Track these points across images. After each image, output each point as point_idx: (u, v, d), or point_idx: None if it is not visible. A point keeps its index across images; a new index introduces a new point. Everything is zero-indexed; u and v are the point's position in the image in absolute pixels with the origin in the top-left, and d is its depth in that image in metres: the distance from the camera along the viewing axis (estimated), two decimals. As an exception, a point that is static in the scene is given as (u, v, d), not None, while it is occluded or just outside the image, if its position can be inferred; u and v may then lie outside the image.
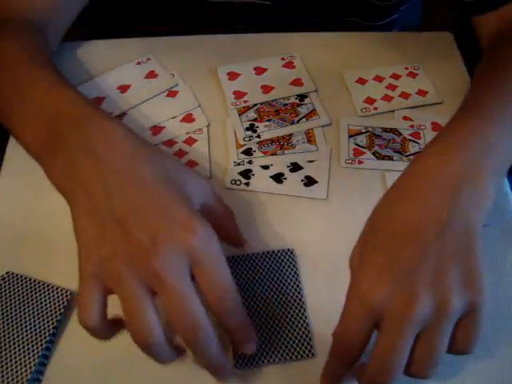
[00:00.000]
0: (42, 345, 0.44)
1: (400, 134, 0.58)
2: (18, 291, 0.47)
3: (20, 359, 0.43)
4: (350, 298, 0.39)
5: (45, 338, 0.44)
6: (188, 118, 0.60)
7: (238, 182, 0.55)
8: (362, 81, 0.63)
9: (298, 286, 0.47)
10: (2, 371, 0.43)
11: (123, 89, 0.62)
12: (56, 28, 0.61)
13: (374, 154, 0.57)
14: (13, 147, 0.56)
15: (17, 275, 0.48)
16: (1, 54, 0.53)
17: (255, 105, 0.61)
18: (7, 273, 0.48)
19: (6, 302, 0.46)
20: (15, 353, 0.43)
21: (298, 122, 0.59)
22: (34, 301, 0.46)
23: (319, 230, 0.52)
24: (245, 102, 0.61)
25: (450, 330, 0.38)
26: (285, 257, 0.49)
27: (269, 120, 0.59)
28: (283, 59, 0.66)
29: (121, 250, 0.38)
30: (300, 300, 0.47)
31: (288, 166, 0.56)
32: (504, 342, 0.45)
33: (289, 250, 0.49)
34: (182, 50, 0.67)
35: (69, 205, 0.41)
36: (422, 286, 0.37)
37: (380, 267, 0.38)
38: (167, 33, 0.68)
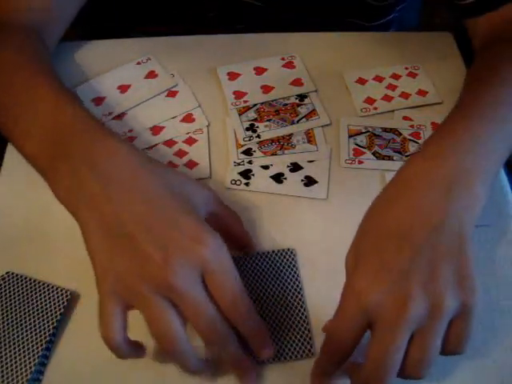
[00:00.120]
0: (41, 345, 0.44)
1: (400, 134, 0.58)
2: (18, 291, 0.47)
3: (20, 359, 0.43)
4: (344, 298, 0.40)
5: (45, 338, 0.44)
6: (188, 118, 0.60)
7: (238, 182, 0.55)
8: (361, 81, 0.63)
9: (298, 285, 0.47)
10: (2, 371, 0.43)
11: (123, 89, 0.62)
12: (54, 29, 0.61)
13: (374, 154, 0.57)
14: (13, 147, 0.56)
15: (17, 275, 0.48)
16: (0, 59, 0.52)
17: (255, 105, 0.61)
18: (7, 273, 0.48)
19: (6, 302, 0.46)
20: (15, 353, 0.43)
21: (297, 121, 0.59)
22: (34, 301, 0.46)
23: (319, 229, 0.52)
24: (245, 101, 0.61)
25: (444, 330, 0.38)
26: (285, 257, 0.49)
27: (269, 120, 0.59)
28: (283, 59, 0.66)
29: (135, 267, 0.39)
30: (300, 300, 0.47)
31: (288, 166, 0.56)
32: (504, 343, 0.45)
33: (289, 249, 0.49)
34: (182, 50, 0.67)
35: (77, 222, 0.41)
36: (416, 287, 0.38)
37: (375, 268, 0.39)
38: (167, 33, 0.68)
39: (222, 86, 0.63)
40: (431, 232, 0.39)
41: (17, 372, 0.43)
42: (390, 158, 0.56)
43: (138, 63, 0.65)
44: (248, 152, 0.57)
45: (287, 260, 0.49)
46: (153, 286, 0.38)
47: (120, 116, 0.60)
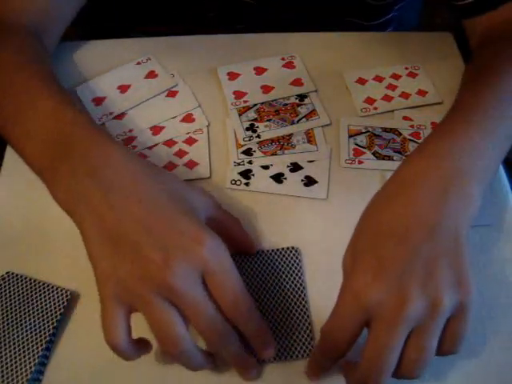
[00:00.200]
0: (41, 345, 0.44)
1: (400, 134, 0.58)
2: (18, 291, 0.47)
3: (20, 359, 0.43)
4: (343, 296, 0.40)
5: (45, 338, 0.44)
6: (188, 118, 0.60)
7: (238, 182, 0.55)
8: (361, 81, 0.63)
9: (301, 284, 0.47)
10: (2, 371, 0.43)
11: (123, 89, 0.62)
12: (54, 29, 0.61)
13: (374, 154, 0.57)
14: (13, 147, 0.56)
15: (17, 275, 0.48)
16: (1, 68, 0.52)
17: (255, 105, 0.61)
18: (7, 273, 0.48)
19: (6, 302, 0.46)
20: (15, 353, 0.43)
21: (298, 121, 0.59)
22: (34, 301, 0.46)
23: (319, 229, 0.52)
24: (245, 102, 0.61)
25: (440, 330, 0.38)
26: (289, 255, 0.49)
27: (269, 120, 0.59)
28: (283, 59, 0.66)
29: (135, 269, 0.39)
30: (303, 299, 0.46)
31: (288, 166, 0.56)
32: (504, 343, 0.45)
33: (293, 248, 0.49)
34: (182, 50, 0.67)
35: (77, 226, 0.41)
36: (415, 287, 0.38)
37: (374, 267, 0.39)
38: (167, 33, 0.68)
39: (222, 86, 0.63)
40: (428, 232, 0.40)
41: (17, 372, 0.43)
42: (389, 158, 0.56)
43: (138, 63, 0.65)
44: (248, 152, 0.57)
45: (291, 258, 0.49)
46: (153, 287, 0.38)
47: (120, 116, 0.60)
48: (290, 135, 0.58)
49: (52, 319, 0.45)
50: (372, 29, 0.76)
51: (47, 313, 0.45)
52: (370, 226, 0.42)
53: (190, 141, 0.58)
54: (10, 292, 0.47)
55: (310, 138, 0.58)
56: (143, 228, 0.40)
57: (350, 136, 0.58)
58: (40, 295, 0.46)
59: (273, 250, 0.49)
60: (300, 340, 0.44)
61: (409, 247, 0.39)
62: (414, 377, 0.39)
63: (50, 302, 0.46)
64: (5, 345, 0.44)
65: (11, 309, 0.46)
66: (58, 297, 0.46)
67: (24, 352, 0.43)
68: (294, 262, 0.48)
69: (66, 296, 0.46)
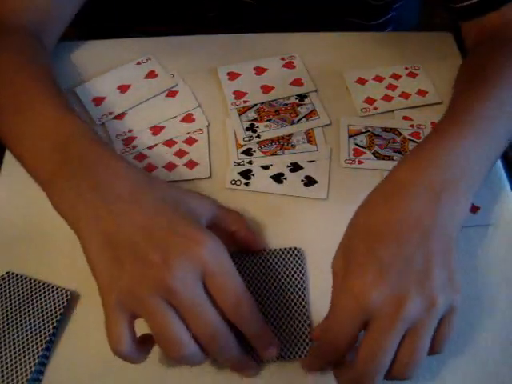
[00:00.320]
0: (41, 345, 0.44)
1: (400, 134, 0.58)
2: (18, 291, 0.47)
3: (20, 359, 0.43)
4: (341, 299, 0.39)
5: (45, 338, 0.44)
6: (188, 118, 0.60)
7: (238, 182, 0.55)
8: (361, 81, 0.63)
9: (302, 285, 0.47)
10: (2, 371, 0.43)
11: (123, 89, 0.62)
12: (53, 29, 0.61)
13: (374, 153, 0.57)
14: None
15: (17, 275, 0.48)
16: (1, 69, 0.52)
17: (255, 105, 0.61)
18: (7, 273, 0.48)
19: (6, 302, 0.46)
20: (15, 353, 0.43)
21: (297, 122, 0.59)
22: (34, 301, 0.46)
23: (319, 230, 0.52)
24: (245, 102, 0.61)
25: (433, 330, 0.39)
26: (291, 255, 0.49)
27: (269, 120, 0.59)
28: (283, 59, 0.66)
29: (137, 274, 0.39)
30: (303, 300, 0.46)
31: (288, 166, 0.56)
32: (504, 343, 0.45)
33: (296, 248, 0.49)
34: (182, 50, 0.67)
35: (76, 234, 0.42)
36: (412, 287, 0.38)
37: (372, 269, 0.39)
38: (167, 33, 0.68)
39: (222, 86, 0.63)
40: (424, 234, 0.40)
41: (17, 372, 0.43)
42: (389, 158, 0.56)
43: (138, 63, 0.65)
44: (248, 152, 0.57)
45: (293, 259, 0.48)
46: (153, 290, 0.38)
47: (120, 116, 0.60)
48: (290, 135, 0.58)
49: (52, 319, 0.45)
50: (372, 29, 0.76)
51: (47, 313, 0.45)
52: (364, 228, 0.42)
53: (190, 141, 0.58)
54: (9, 292, 0.47)
55: (310, 137, 0.58)
56: (142, 232, 0.40)
57: (350, 136, 0.58)
58: (40, 295, 0.46)
59: (275, 250, 0.49)
60: (298, 340, 0.44)
61: (406, 248, 0.40)
62: (406, 378, 0.39)
63: (49, 302, 0.46)
64: (5, 345, 0.44)
65: (11, 309, 0.46)
66: (57, 297, 0.46)
67: (24, 352, 0.43)
68: (297, 262, 0.48)
69: (66, 296, 0.46)
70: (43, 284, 0.47)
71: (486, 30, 0.58)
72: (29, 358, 0.43)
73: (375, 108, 0.61)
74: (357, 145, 0.57)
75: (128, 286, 0.38)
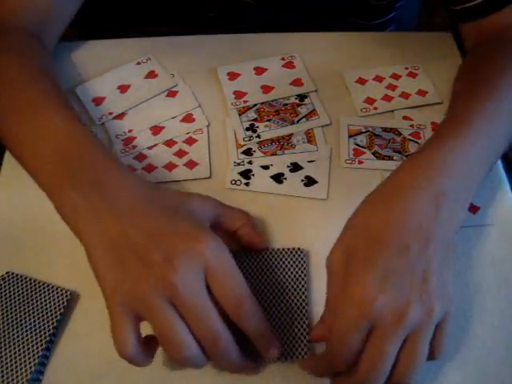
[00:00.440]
0: (41, 345, 0.44)
1: (400, 134, 0.58)
2: (18, 291, 0.47)
3: (20, 359, 0.43)
4: (345, 307, 0.39)
5: (45, 338, 0.44)
6: (188, 118, 0.60)
7: (238, 182, 0.55)
8: (362, 81, 0.63)
9: (303, 285, 0.47)
10: (2, 371, 0.43)
11: (123, 89, 0.62)
12: (53, 29, 0.61)
13: (374, 153, 0.57)
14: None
15: (17, 275, 0.48)
16: (3, 71, 0.52)
17: (255, 105, 0.61)
18: (7, 273, 0.48)
19: (6, 302, 0.46)
20: (15, 353, 0.43)
21: (298, 122, 0.59)
22: (34, 301, 0.46)
23: (319, 230, 0.52)
24: (245, 102, 0.61)
25: (431, 336, 0.40)
26: (294, 256, 0.48)
27: (269, 120, 0.59)
28: (283, 59, 0.66)
29: (140, 275, 0.39)
30: (303, 301, 0.46)
31: (288, 166, 0.56)
32: (504, 343, 0.45)
33: (299, 249, 0.49)
34: (182, 50, 0.67)
35: (79, 238, 0.42)
36: (413, 295, 0.39)
37: (376, 276, 0.39)
38: (167, 33, 0.68)
39: (222, 86, 0.63)
40: (425, 241, 0.41)
41: (17, 372, 0.43)
42: (389, 158, 0.56)
43: (138, 63, 0.65)
44: (248, 152, 0.57)
45: (296, 259, 0.48)
46: (157, 289, 0.38)
47: (120, 116, 0.60)
48: (290, 135, 0.58)
49: (52, 319, 0.45)
50: (373, 29, 0.76)
51: (47, 313, 0.45)
52: (365, 229, 0.42)
53: (190, 141, 0.58)
54: (9, 292, 0.47)
55: (309, 137, 0.58)
56: (144, 233, 0.40)
57: (349, 136, 0.58)
58: (40, 295, 0.46)
59: (278, 249, 0.49)
60: (297, 341, 0.44)
61: (408, 256, 0.40)
62: (405, 382, 0.39)
63: (49, 302, 0.46)
64: (5, 345, 0.44)
65: (11, 309, 0.46)
66: (57, 297, 0.46)
67: (24, 352, 0.43)
68: (299, 263, 0.48)
69: (66, 296, 0.46)
70: (43, 284, 0.47)
71: (486, 31, 0.59)
72: (29, 358, 0.43)
73: (375, 108, 0.61)
74: (357, 145, 0.57)
75: (132, 288, 0.39)
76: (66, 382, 0.44)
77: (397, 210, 0.42)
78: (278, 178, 0.55)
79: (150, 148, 0.57)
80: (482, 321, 0.46)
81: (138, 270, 0.39)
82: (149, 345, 0.40)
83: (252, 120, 0.59)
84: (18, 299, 0.46)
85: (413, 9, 0.88)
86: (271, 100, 0.61)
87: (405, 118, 0.60)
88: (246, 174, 0.55)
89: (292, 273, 0.48)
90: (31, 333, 0.44)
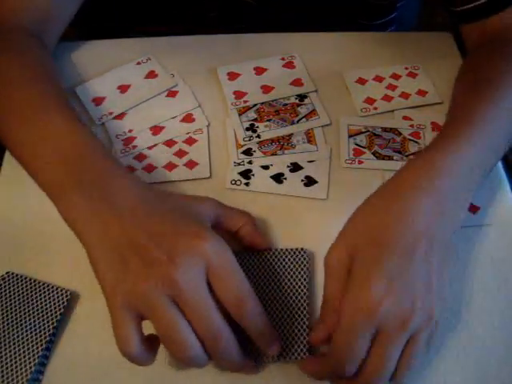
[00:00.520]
0: (41, 345, 0.44)
1: (400, 134, 0.58)
2: (18, 291, 0.47)
3: (20, 359, 0.43)
4: (350, 311, 0.39)
5: (45, 338, 0.44)
6: (188, 118, 0.60)
7: (238, 182, 0.55)
8: (361, 81, 0.63)
9: (305, 286, 0.46)
10: (2, 371, 0.43)
11: (123, 89, 0.62)
12: (53, 29, 0.61)
13: (373, 153, 0.57)
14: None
15: (17, 275, 0.48)
16: (3, 71, 0.52)
17: (255, 105, 0.61)
18: (7, 273, 0.48)
19: (6, 302, 0.46)
20: (15, 353, 0.43)
21: (297, 122, 0.59)
22: (34, 301, 0.46)
23: (319, 230, 0.52)
24: (245, 102, 0.61)
25: (428, 337, 0.40)
26: (297, 256, 0.48)
27: (269, 120, 0.59)
28: (283, 59, 0.66)
29: (142, 274, 0.39)
30: (304, 301, 0.46)
31: (288, 166, 0.56)
32: (504, 343, 0.45)
33: (302, 249, 0.49)
34: (182, 50, 0.67)
35: (82, 243, 0.42)
36: (416, 301, 0.39)
37: (383, 282, 0.39)
38: (167, 33, 0.68)
39: (221, 86, 0.63)
40: (429, 245, 0.41)
41: (17, 372, 0.43)
42: (389, 158, 0.56)
43: (138, 63, 0.65)
44: (248, 152, 0.57)
45: (299, 259, 0.48)
46: (159, 286, 0.38)
47: (120, 116, 0.60)
48: (290, 135, 0.58)
49: (52, 319, 0.45)
50: (373, 29, 0.76)
51: (47, 313, 0.45)
52: (367, 229, 0.42)
53: (190, 141, 0.58)
54: (9, 292, 0.47)
55: (310, 138, 0.58)
56: (146, 234, 0.40)
57: (349, 136, 0.58)
58: (40, 295, 0.46)
59: (281, 250, 0.49)
60: (296, 342, 0.44)
61: (412, 259, 0.40)
62: (401, 381, 0.40)
63: (49, 302, 0.46)
64: (5, 345, 0.44)
65: (11, 309, 0.46)
66: (57, 297, 0.46)
67: (24, 352, 0.43)
68: (302, 263, 0.48)
69: (66, 296, 0.46)
70: (43, 284, 0.47)
71: (488, 32, 0.59)
72: (29, 358, 0.43)
73: (375, 108, 0.61)
74: (357, 145, 0.57)
75: (133, 286, 0.38)
76: (66, 382, 0.44)
77: (397, 211, 0.42)
78: (278, 177, 0.55)
79: (149, 148, 0.57)
80: (482, 321, 0.46)
81: (138, 269, 0.39)
82: (151, 344, 0.40)
83: (252, 120, 0.59)
84: (18, 299, 0.46)
85: (413, 9, 0.88)
86: (271, 100, 0.61)
87: (405, 117, 0.60)
88: (246, 174, 0.55)
89: (295, 273, 0.47)
90: (31, 333, 0.44)
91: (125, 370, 0.43)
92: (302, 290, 0.46)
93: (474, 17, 0.59)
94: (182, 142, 0.58)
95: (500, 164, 0.56)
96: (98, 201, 0.42)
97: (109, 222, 0.41)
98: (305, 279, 0.47)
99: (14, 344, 0.44)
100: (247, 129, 0.59)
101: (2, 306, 0.46)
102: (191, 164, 0.56)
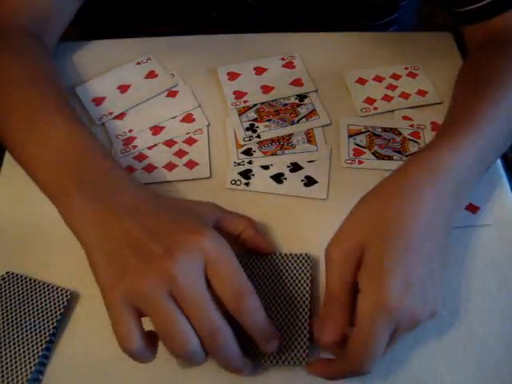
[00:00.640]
0: (41, 345, 0.44)
1: (400, 134, 0.58)
2: (18, 291, 0.47)
3: (20, 359, 0.43)
4: (370, 311, 0.39)
5: (45, 338, 0.44)
6: (188, 118, 0.60)
7: (238, 182, 0.55)
8: (361, 81, 0.63)
9: (307, 291, 0.46)
10: (2, 371, 0.43)
11: (123, 89, 0.62)
12: (53, 28, 0.61)
13: (373, 153, 0.57)
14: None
15: (17, 275, 0.48)
16: (3, 70, 0.53)
17: (255, 105, 0.61)
18: (7, 273, 0.48)
19: (6, 302, 0.46)
20: (15, 353, 0.43)
21: (298, 122, 0.59)
22: (34, 301, 0.46)
23: (319, 230, 0.52)
24: (245, 102, 0.61)
25: None
26: (300, 261, 0.48)
27: (269, 120, 0.59)
28: (283, 59, 0.66)
29: (140, 269, 0.39)
30: (306, 307, 0.45)
31: (288, 166, 0.56)
32: (504, 343, 0.45)
33: (306, 254, 0.48)
34: (182, 50, 0.67)
35: (81, 243, 0.42)
36: (426, 298, 0.40)
37: (399, 281, 0.39)
38: (167, 33, 0.68)
39: (221, 86, 0.63)
40: (437, 247, 0.42)
41: (17, 372, 0.43)
42: (390, 158, 0.56)
43: (138, 63, 0.65)
44: (248, 152, 0.57)
45: (302, 264, 0.48)
46: (157, 281, 0.38)
47: (120, 116, 0.60)
48: (290, 135, 0.58)
49: (52, 319, 0.45)
50: (375, 29, 0.76)
51: (47, 313, 0.45)
52: (375, 224, 0.42)
53: (190, 141, 0.58)
54: (9, 292, 0.47)
55: (310, 138, 0.58)
56: (145, 231, 0.40)
57: (349, 136, 0.58)
58: (40, 295, 0.46)
59: (285, 254, 0.48)
60: (296, 347, 0.43)
61: (423, 258, 0.41)
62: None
63: (49, 302, 0.46)
64: (5, 345, 0.44)
65: (11, 309, 0.46)
66: (57, 297, 0.46)
67: (24, 352, 0.43)
68: (305, 268, 0.47)
69: (66, 296, 0.46)
70: (43, 284, 0.47)
71: (489, 32, 0.59)
72: (29, 358, 0.43)
73: (375, 108, 0.61)
74: (357, 145, 0.57)
75: (132, 282, 0.38)
76: (66, 382, 0.44)
77: (399, 206, 0.42)
78: (278, 177, 0.55)
79: (149, 148, 0.57)
80: (482, 321, 0.46)
81: (137, 266, 0.39)
82: (151, 340, 0.40)
83: (252, 120, 0.59)
84: (18, 299, 0.46)
85: (413, 9, 0.88)
86: (271, 100, 0.61)
87: (405, 117, 0.60)
88: (246, 174, 0.55)
89: (297, 278, 0.47)
90: (31, 333, 0.44)
91: (125, 369, 0.44)
92: (303, 295, 0.46)
93: (477, 18, 0.59)
94: (181, 142, 0.58)
95: (500, 164, 0.56)
96: (97, 201, 0.42)
97: (108, 222, 0.41)
98: (307, 284, 0.47)
99: (14, 344, 0.44)
100: (247, 129, 0.59)
101: (2, 306, 0.46)
102: (191, 164, 0.56)
